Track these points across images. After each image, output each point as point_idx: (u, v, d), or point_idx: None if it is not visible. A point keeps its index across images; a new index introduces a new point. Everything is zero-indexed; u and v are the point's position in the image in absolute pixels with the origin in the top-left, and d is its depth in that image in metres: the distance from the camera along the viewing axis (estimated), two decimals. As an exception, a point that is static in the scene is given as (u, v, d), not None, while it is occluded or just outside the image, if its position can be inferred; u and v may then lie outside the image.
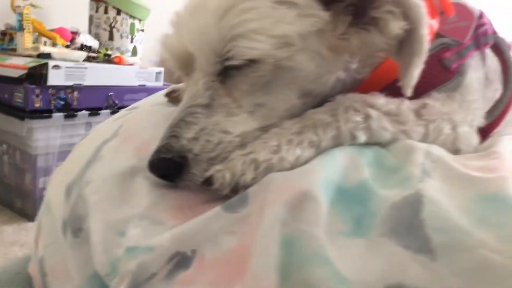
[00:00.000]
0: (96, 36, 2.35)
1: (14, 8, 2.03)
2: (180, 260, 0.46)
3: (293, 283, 0.41)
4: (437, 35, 0.62)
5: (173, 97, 0.70)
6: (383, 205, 0.45)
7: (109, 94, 2.13)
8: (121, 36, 2.42)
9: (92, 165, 0.60)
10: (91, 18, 2.39)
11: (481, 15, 0.69)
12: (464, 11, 0.65)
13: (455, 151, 0.60)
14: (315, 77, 0.56)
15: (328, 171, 0.48)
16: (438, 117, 0.58)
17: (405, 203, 0.44)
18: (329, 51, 0.55)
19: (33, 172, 1.92)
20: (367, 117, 0.54)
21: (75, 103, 1.99)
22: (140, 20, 2.48)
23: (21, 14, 1.99)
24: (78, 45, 2.19)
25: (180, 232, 0.47)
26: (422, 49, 0.52)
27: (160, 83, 2.40)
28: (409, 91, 0.54)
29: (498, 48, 0.70)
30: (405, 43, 0.54)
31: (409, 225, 0.42)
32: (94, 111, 2.05)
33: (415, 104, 0.59)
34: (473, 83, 0.64)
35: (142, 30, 2.49)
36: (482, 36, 0.66)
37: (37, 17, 2.10)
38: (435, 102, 0.60)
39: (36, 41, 2.06)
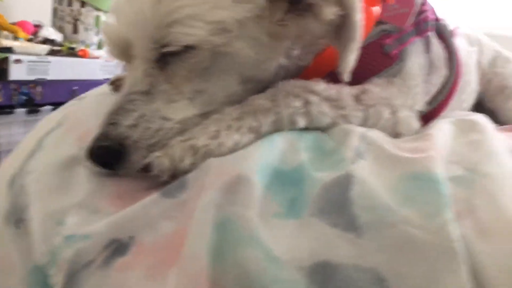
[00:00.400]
0: (60, 29, 2.30)
1: (-27, 1, 1.98)
2: (117, 247, 0.46)
3: (226, 264, 0.41)
4: (378, 22, 0.64)
5: (117, 85, 0.70)
6: (315, 186, 0.46)
7: (74, 88, 2.08)
8: (86, 29, 2.38)
9: (34, 156, 0.59)
10: (54, 11, 2.35)
11: (423, 2, 0.70)
12: (405, -2, 0.67)
13: (396, 134, 0.62)
14: (255, 64, 0.56)
15: (266, 155, 0.49)
16: (378, 102, 0.60)
17: (335, 184, 0.46)
18: (268, 38, 0.55)
19: None
20: (306, 103, 0.55)
21: (38, 98, 1.94)
22: (105, 12, 2.44)
23: (-21, 7, 1.94)
24: (41, 38, 2.13)
25: (117, 219, 0.47)
26: (356, 34, 0.53)
27: None
28: (346, 76, 0.55)
29: (441, 35, 0.72)
30: (341, 29, 0.55)
31: (338, 205, 0.44)
32: (58, 106, 1.99)
33: (356, 90, 0.60)
34: (414, 68, 0.66)
35: None
36: (422, 22, 0.68)
37: (-3, 10, 2.05)
38: (375, 87, 0.61)
39: (-4, 34, 2.01)
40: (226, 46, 0.53)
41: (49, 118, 0.70)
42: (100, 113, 0.62)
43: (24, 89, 1.90)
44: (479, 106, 1.06)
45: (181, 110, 0.54)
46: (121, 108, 0.53)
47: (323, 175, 0.47)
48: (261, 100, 0.55)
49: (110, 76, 2.29)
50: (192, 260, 0.42)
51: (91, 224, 0.48)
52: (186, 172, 0.50)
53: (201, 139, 0.51)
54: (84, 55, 2.19)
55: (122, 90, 0.55)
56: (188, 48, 0.53)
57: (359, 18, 0.53)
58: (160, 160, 0.50)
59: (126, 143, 0.51)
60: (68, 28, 2.34)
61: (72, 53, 2.17)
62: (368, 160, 0.49)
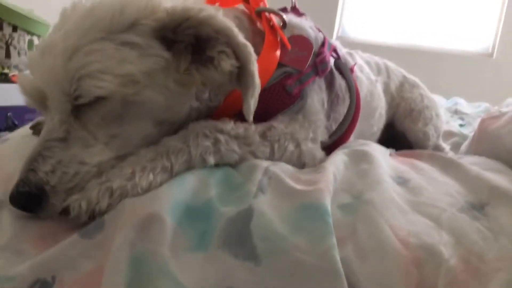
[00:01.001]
0: None
1: None
2: (41, 286, 0.49)
3: (141, 296, 0.46)
4: (280, 65, 0.71)
5: (38, 130, 0.73)
6: (221, 220, 0.52)
7: (8, 114, 2.05)
8: (19, 54, 2.32)
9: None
10: None
11: (323, 44, 0.79)
12: (304, 42, 0.75)
13: (302, 165, 0.69)
14: (167, 108, 0.62)
15: (177, 193, 0.55)
16: (282, 137, 0.67)
17: (238, 217, 0.52)
18: (176, 85, 0.61)
19: None
20: (216, 142, 0.61)
21: None
22: (39, 36, 2.40)
23: None
24: None
25: (40, 261, 0.50)
26: (254, 82, 0.60)
27: None
28: (249, 118, 0.62)
29: (340, 72, 0.81)
30: (241, 76, 0.61)
31: (240, 236, 0.50)
32: None
33: (261, 127, 0.67)
34: (314, 105, 0.74)
35: None
36: (320, 63, 0.76)
37: None
38: (279, 124, 0.68)
39: None
40: (136, 95, 0.58)
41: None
42: (22, 156, 0.65)
43: None
44: (391, 128, 1.17)
45: (97, 154, 0.59)
46: (39, 154, 0.57)
47: (228, 210, 0.53)
48: (173, 141, 0.60)
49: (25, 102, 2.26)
50: (109, 295, 0.46)
51: (15, 266, 0.51)
52: (103, 213, 0.54)
53: (117, 181, 0.55)
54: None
55: (40, 137, 0.59)
56: (99, 99, 0.57)
57: (255, 68, 0.60)
58: (78, 202, 0.54)
59: (45, 188, 0.55)
60: (0, 53, 2.28)
61: (5, 78, 2.13)
62: (267, 193, 0.56)
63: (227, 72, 0.60)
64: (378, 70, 1.12)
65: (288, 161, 0.67)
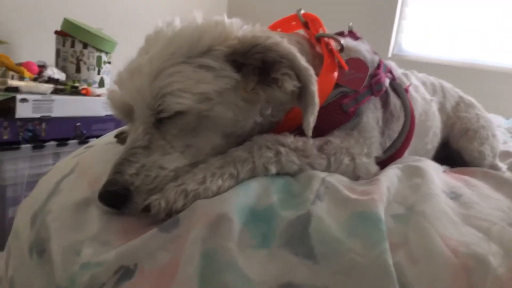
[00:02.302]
0: (63, 69, 2.40)
1: (-19, 44, 2.10)
2: (124, 272, 0.57)
3: (211, 285, 0.53)
4: (337, 85, 0.77)
5: (121, 138, 0.83)
6: (282, 223, 0.58)
7: (77, 124, 2.18)
8: (88, 69, 2.48)
9: (53, 197, 0.71)
10: (58, 52, 2.45)
11: (378, 66, 0.84)
12: (360, 64, 0.81)
13: (356, 178, 0.74)
14: (234, 123, 0.69)
15: (243, 197, 0.61)
16: (338, 151, 0.72)
17: (298, 221, 0.58)
18: (243, 102, 0.69)
19: (2, 202, 1.94)
20: (277, 153, 0.68)
21: (43, 134, 2.03)
22: (106, 52, 2.56)
23: (-12, 50, 2.06)
24: (46, 78, 2.23)
25: (124, 250, 0.58)
26: (314, 101, 0.66)
27: None
28: (309, 133, 0.68)
29: (396, 92, 0.86)
30: (301, 96, 0.68)
31: (299, 238, 0.56)
32: (62, 142, 2.09)
33: (319, 141, 0.73)
34: (369, 122, 0.79)
35: (109, 62, 2.56)
36: (375, 84, 0.81)
37: (4, 51, 2.16)
38: (335, 138, 0.74)
39: (3, 75, 2.12)
40: (209, 111, 0.66)
41: (63, 164, 0.82)
42: (106, 161, 0.75)
43: (30, 126, 1.98)
44: (446, 147, 1.19)
45: (174, 161, 0.67)
46: (125, 159, 0.65)
47: (288, 214, 0.59)
48: (239, 152, 0.67)
49: (111, 113, 2.40)
50: (184, 283, 0.53)
51: (102, 254, 0.59)
52: (178, 212, 0.61)
53: (191, 185, 0.63)
54: (86, 93, 2.28)
55: (126, 144, 0.67)
56: (178, 114, 0.66)
57: (315, 88, 0.67)
58: (158, 202, 0.62)
59: (130, 188, 0.63)
60: (71, 67, 2.43)
61: (75, 91, 2.26)
62: (324, 201, 0.61)
63: (289, 91, 0.67)
64: (433, 90, 1.15)
65: (343, 174, 0.72)
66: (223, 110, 0.67)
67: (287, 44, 0.66)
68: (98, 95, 2.35)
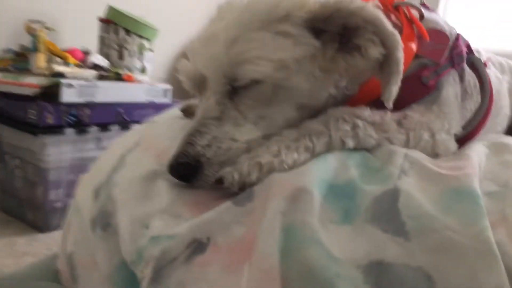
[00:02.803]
0: (106, 56, 2.42)
1: (29, 30, 2.14)
2: (197, 246, 0.54)
3: (292, 261, 0.49)
4: (417, 56, 0.72)
5: (188, 112, 0.81)
6: (367, 198, 0.54)
7: (119, 110, 2.20)
8: (130, 55, 2.49)
9: (119, 171, 0.69)
10: (101, 39, 2.48)
11: (457, 38, 0.79)
12: (440, 35, 0.75)
13: (435, 155, 0.69)
14: (309, 94, 0.65)
15: (321, 171, 0.57)
16: (417, 126, 0.67)
17: (385, 196, 0.53)
18: (320, 72, 0.65)
19: (45, 185, 1.98)
20: (354, 126, 0.64)
21: (86, 119, 2.06)
22: (148, 40, 2.56)
23: (35, 36, 2.09)
24: (89, 64, 2.26)
25: (197, 223, 0.55)
26: (399, 69, 0.62)
27: (167, 99, 2.47)
28: (389, 105, 0.63)
29: (474, 66, 0.80)
30: (385, 64, 0.63)
31: (388, 213, 0.51)
32: (105, 127, 2.12)
33: (397, 115, 0.68)
34: (449, 97, 0.74)
35: (151, 50, 2.57)
36: (456, 56, 0.76)
37: (50, 38, 2.19)
38: (414, 113, 0.69)
39: (49, 61, 2.15)
40: (286, 80, 0.63)
41: (125, 139, 0.80)
42: (172, 135, 0.72)
43: (73, 111, 2.00)
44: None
45: (247, 132, 0.63)
46: (197, 130, 0.62)
47: (373, 189, 0.55)
48: (314, 125, 0.63)
49: (153, 98, 2.41)
50: (264, 257, 0.50)
51: (174, 227, 0.56)
52: (252, 185, 0.58)
53: (265, 157, 0.59)
54: (129, 79, 2.30)
55: (197, 115, 0.64)
56: (254, 82, 0.62)
57: (401, 55, 0.62)
58: (231, 174, 0.58)
59: (202, 160, 0.60)
60: (114, 54, 2.45)
61: (118, 78, 2.28)
62: (411, 176, 0.57)
63: (373, 59, 0.62)
64: (502, 70, 1.08)
65: (422, 151, 0.67)
66: (300, 80, 0.64)
67: (373, 8, 0.62)
68: (140, 82, 2.38)
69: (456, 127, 0.74)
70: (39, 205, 2.00)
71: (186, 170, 0.60)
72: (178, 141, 0.65)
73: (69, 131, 1.99)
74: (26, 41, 2.17)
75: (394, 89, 0.62)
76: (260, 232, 0.52)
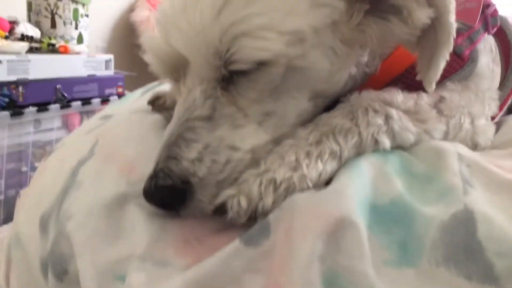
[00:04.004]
0: (37, 25, 2.16)
1: None
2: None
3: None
4: None
5: (159, 106, 0.61)
6: (430, 226, 0.39)
7: (57, 86, 1.98)
8: (64, 23, 2.25)
9: (70, 193, 0.50)
10: (29, 5, 2.21)
11: None
12: (471, -8, 0.60)
13: (474, 146, 0.55)
14: (328, 76, 0.49)
15: (359, 187, 0.42)
16: (458, 111, 0.53)
17: (455, 222, 0.39)
18: (343, 46, 0.48)
19: None
20: (387, 118, 0.48)
21: (20, 99, 1.83)
22: (83, 4, 2.30)
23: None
24: (18, 35, 1.98)
25: (196, 276, 0.39)
26: (450, 39, 0.46)
27: (110, 72, 2.26)
28: (432, 86, 0.48)
29: (501, 29, 0.66)
30: (428, 32, 0.48)
31: (467, 250, 0.37)
32: (43, 107, 1.90)
33: (431, 98, 0.53)
34: (484, 70, 0.60)
35: (87, 15, 2.32)
36: (490, 17, 0.61)
37: (-32, 6, 1.90)
38: (451, 94, 0.55)
39: (-31, 33, 1.87)
40: (301, 58, 0.45)
41: (75, 142, 0.61)
42: (139, 137, 0.54)
43: (5, 91, 1.79)
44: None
45: (250, 136, 0.46)
46: (180, 137, 0.44)
47: (434, 211, 0.40)
48: (338, 119, 0.47)
49: (94, 71, 2.19)
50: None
51: (162, 282, 0.40)
52: (266, 213, 0.42)
53: (280, 171, 0.43)
54: (65, 51, 2.08)
55: (177, 115, 0.46)
56: (260, 65, 0.44)
57: (453, 20, 0.46)
58: (236, 199, 0.42)
59: (192, 180, 0.43)
60: (46, 22, 2.21)
61: (52, 49, 2.04)
62: (478, 188, 0.42)
63: (418, 25, 0.46)
64: None
65: (462, 141, 0.53)
66: (318, 57, 0.47)
67: None
68: (78, 53, 2.14)
69: (494, 108, 0.60)
70: (-24, 198, 1.78)
71: (170, 196, 0.43)
72: (150, 148, 0.48)
73: (2, 114, 1.75)
74: None
75: (441, 66, 0.47)
76: (289, 286, 0.37)
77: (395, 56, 0.55)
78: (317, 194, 0.42)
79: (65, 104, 1.97)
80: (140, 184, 0.45)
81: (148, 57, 0.50)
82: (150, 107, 0.61)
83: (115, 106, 0.70)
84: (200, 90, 0.46)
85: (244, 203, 0.42)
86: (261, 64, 0.44)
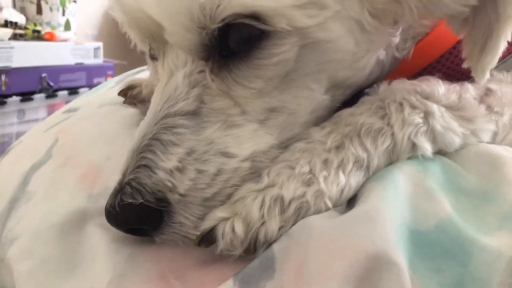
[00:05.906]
0: (22, 10, 2.10)
1: None
2: None
3: None
4: None
5: (131, 96, 0.49)
6: (495, 264, 0.29)
7: (42, 75, 1.93)
8: (51, 9, 2.17)
9: (18, 208, 0.39)
10: None
11: None
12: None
13: None
14: (352, 59, 0.38)
15: (395, 209, 0.31)
16: (507, 107, 0.42)
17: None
18: (372, 19, 0.36)
19: None
20: (427, 115, 0.37)
21: (3, 88, 1.79)
22: (70, -11, 2.22)
23: None
24: (2, 21, 1.92)
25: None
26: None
27: (99, 60, 2.19)
28: (485, 75, 0.38)
29: None
30: (479, 8, 0.37)
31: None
32: (27, 96, 1.85)
33: (477, 91, 0.42)
34: None
35: (75, 1, 2.25)
36: None
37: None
38: (498, 85, 0.44)
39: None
40: (320, 31, 0.34)
41: (31, 141, 0.49)
42: (107, 136, 0.43)
43: None
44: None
45: (248, 139, 0.35)
46: (154, 139, 0.33)
47: (500, 243, 0.29)
48: (364, 117, 0.37)
49: (82, 60, 2.09)
50: None
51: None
52: (269, 243, 0.31)
53: (290, 187, 0.32)
54: (51, 38, 2.05)
55: (152, 108, 0.35)
56: (263, 37, 0.33)
57: None
58: (230, 224, 0.31)
59: (170, 197, 0.32)
60: (31, 8, 2.14)
61: (37, 36, 2.00)
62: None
63: None
64: None
65: (509, 144, 0.43)
66: (342, 32, 0.36)
67: None
68: (65, 40, 2.11)
69: None
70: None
71: (140, 218, 0.32)
72: (121, 151, 0.37)
73: (-15, 105, 1.78)
74: None
75: (501, 48, 0.36)
76: None
77: (431, 38, 0.44)
78: (340, 218, 0.31)
79: (51, 93, 1.95)
80: (105, 198, 0.34)
81: (121, 23, 0.38)
82: (121, 99, 0.49)
83: (84, 99, 0.58)
84: (183, 74, 0.35)
85: (240, 229, 0.31)
86: (266, 34, 0.33)
